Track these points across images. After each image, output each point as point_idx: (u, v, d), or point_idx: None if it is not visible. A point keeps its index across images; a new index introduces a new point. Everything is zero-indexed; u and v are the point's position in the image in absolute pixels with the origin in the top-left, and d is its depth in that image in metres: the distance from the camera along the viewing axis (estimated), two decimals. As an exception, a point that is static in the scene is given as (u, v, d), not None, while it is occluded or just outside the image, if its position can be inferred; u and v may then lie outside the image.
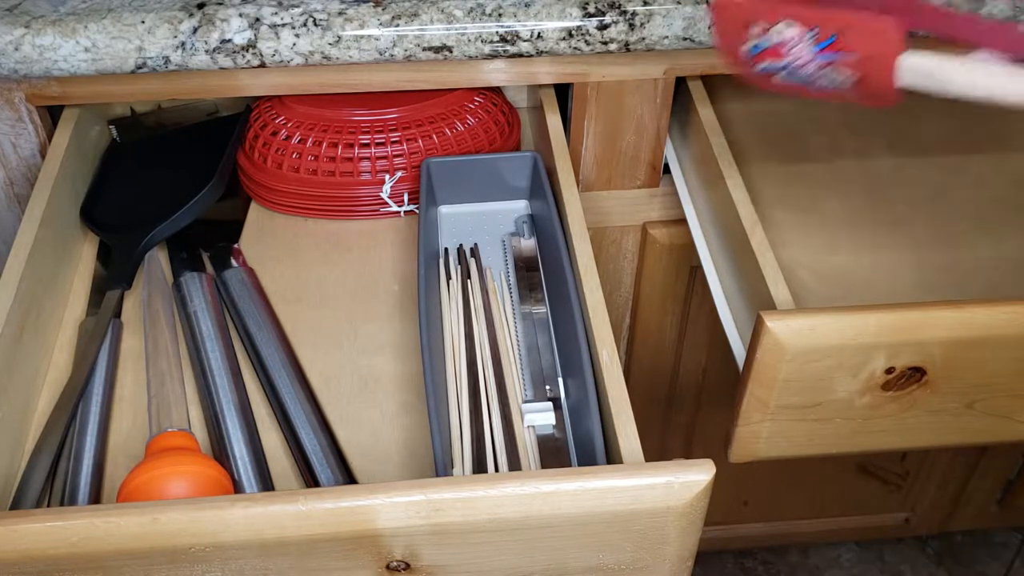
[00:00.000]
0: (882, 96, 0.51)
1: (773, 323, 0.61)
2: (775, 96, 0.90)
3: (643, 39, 0.75)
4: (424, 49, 0.74)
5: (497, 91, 0.87)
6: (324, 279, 0.76)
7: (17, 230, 0.68)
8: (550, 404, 0.63)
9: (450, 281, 0.73)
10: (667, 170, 0.88)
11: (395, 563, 0.51)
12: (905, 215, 0.77)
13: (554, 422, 0.62)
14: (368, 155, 0.79)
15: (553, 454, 0.60)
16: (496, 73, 0.79)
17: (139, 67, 0.73)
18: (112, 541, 0.47)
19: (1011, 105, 0.47)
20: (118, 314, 0.72)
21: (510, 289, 0.74)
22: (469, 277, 0.73)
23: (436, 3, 0.73)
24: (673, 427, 1.13)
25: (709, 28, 0.64)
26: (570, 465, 0.60)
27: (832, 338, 0.60)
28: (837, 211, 0.77)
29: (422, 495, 0.48)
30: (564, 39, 0.74)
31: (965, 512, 1.27)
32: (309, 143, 0.79)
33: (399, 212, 0.81)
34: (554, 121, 0.79)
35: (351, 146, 0.79)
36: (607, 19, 0.74)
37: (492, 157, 0.81)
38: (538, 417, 0.62)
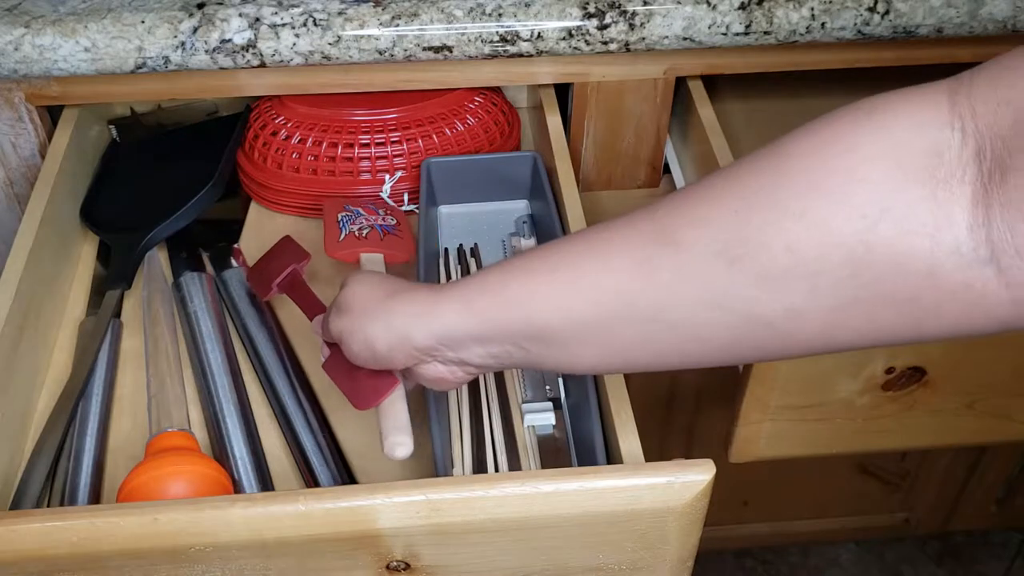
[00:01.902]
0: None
1: (773, 323, 0.61)
2: (775, 96, 0.90)
3: (643, 39, 0.75)
4: (424, 49, 0.74)
5: (497, 91, 0.87)
6: (323, 279, 0.76)
7: (17, 230, 0.68)
8: (550, 404, 0.63)
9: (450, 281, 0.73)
10: (667, 170, 0.88)
11: (395, 563, 0.50)
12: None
13: (554, 422, 0.62)
14: (368, 155, 0.79)
15: (553, 454, 0.60)
16: (496, 73, 0.79)
17: (139, 67, 0.73)
18: (112, 541, 0.47)
19: None
20: (118, 314, 0.72)
21: (510, 289, 0.73)
22: (469, 277, 0.73)
23: (436, 3, 0.73)
24: (673, 427, 1.13)
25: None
26: (570, 465, 0.60)
27: (832, 338, 0.60)
28: (837, 211, 0.77)
29: (422, 495, 0.48)
30: (564, 39, 0.74)
31: (965, 512, 1.27)
32: (309, 143, 0.79)
33: (399, 212, 0.81)
34: (554, 121, 0.79)
35: (351, 146, 0.79)
36: (607, 19, 0.74)
37: (492, 157, 0.81)
38: (538, 417, 0.62)
